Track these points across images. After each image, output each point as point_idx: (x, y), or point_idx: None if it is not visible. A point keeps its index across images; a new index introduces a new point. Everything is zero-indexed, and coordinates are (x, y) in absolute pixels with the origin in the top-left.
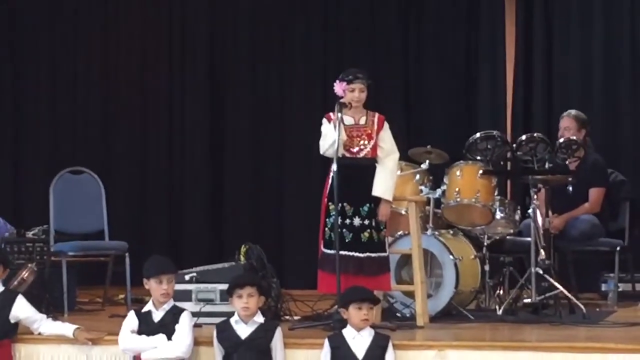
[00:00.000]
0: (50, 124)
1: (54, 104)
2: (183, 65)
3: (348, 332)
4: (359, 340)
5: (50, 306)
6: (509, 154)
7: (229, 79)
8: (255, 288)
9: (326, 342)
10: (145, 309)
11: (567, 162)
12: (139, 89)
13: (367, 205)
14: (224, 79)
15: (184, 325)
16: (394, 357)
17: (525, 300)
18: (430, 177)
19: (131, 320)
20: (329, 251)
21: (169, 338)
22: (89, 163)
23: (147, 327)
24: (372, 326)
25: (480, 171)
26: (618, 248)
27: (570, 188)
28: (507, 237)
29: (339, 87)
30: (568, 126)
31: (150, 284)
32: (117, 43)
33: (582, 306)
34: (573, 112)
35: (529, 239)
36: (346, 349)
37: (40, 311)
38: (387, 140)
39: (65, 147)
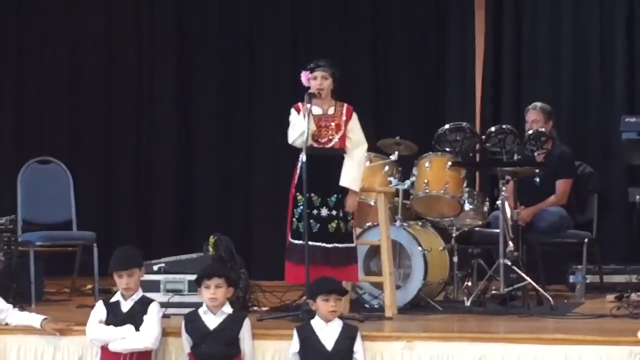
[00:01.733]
0: (16, 113)
1: (20, 92)
2: (152, 54)
3: (316, 323)
4: (327, 331)
5: (17, 296)
6: (477, 146)
7: (197, 69)
8: (223, 279)
9: (295, 332)
10: (113, 299)
11: (535, 154)
12: (107, 77)
13: (335, 195)
14: (193, 69)
15: (152, 316)
16: (363, 348)
17: (494, 292)
18: (399, 169)
19: (99, 311)
20: (296, 241)
21: (137, 329)
22: (57, 152)
23: (115, 317)
24: (341, 317)
25: (449, 163)
26: (586, 240)
27: (538, 180)
28: (476, 228)
29: (304, 77)
30: (536, 119)
31: (115, 278)
32: (85, 30)
33: (550, 298)
34: (539, 104)
35: (497, 230)
36: (315, 339)
37: (8, 301)
38: (355, 131)
39: (32, 136)
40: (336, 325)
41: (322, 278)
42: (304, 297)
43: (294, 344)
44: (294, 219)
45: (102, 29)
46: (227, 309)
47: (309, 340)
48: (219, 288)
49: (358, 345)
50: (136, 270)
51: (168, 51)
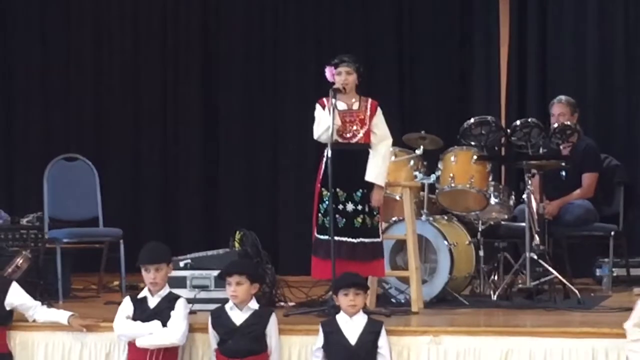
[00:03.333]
0: (43, 110)
1: (47, 90)
2: (176, 51)
3: (341, 318)
4: (351, 325)
5: (44, 293)
6: (503, 140)
7: (222, 66)
8: (244, 276)
9: (320, 327)
10: (140, 295)
11: (561, 147)
12: (132, 74)
13: (360, 190)
14: (218, 66)
15: (179, 312)
16: (387, 343)
17: (520, 286)
18: (425, 163)
19: (126, 306)
20: (322, 237)
21: (164, 324)
22: (83, 150)
23: (142, 313)
24: (367, 312)
25: (475, 156)
26: (612, 233)
27: (564, 173)
28: (502, 222)
29: (328, 73)
30: (562, 112)
31: (142, 272)
32: (110, 28)
33: (576, 291)
34: (564, 97)
35: (523, 224)
36: (339, 334)
37: (35, 298)
38: (380, 126)
39: (58, 133)
40: (361, 320)
41: (344, 273)
42: (330, 292)
43: (319, 339)
44: (320, 214)
45: (128, 24)
46: (254, 305)
47: (333, 335)
48: (239, 285)
49: (382, 340)
50: (164, 266)
51: (193, 49)
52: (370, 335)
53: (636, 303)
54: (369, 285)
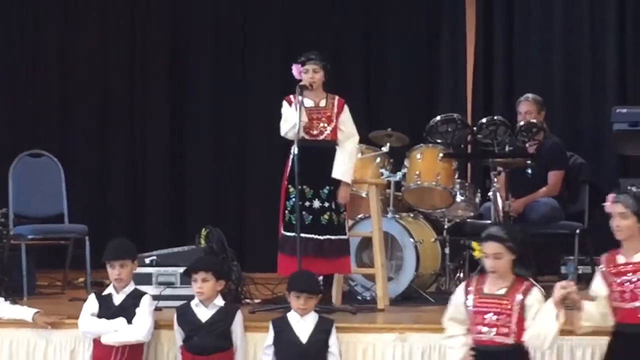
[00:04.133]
0: (7, 106)
1: (12, 84)
2: (144, 48)
3: (292, 316)
4: (302, 324)
5: (9, 290)
6: (469, 137)
7: (190, 63)
8: (209, 273)
9: (270, 325)
10: (105, 292)
11: (527, 145)
12: (99, 68)
13: (327, 187)
14: (185, 63)
15: (144, 309)
16: (337, 341)
17: None
18: (391, 160)
19: (91, 303)
20: (288, 234)
21: (130, 321)
22: (48, 146)
23: (107, 310)
24: (332, 309)
25: (441, 154)
26: (578, 231)
27: (530, 171)
28: (468, 220)
29: (295, 71)
30: (529, 110)
31: (107, 268)
32: (77, 21)
33: (541, 289)
34: (530, 95)
35: (489, 221)
36: (290, 332)
37: None
38: (347, 123)
39: (23, 129)
40: (311, 319)
41: (298, 273)
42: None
43: (269, 337)
44: (286, 211)
45: (96, 20)
46: (219, 302)
47: (284, 333)
48: (205, 282)
49: (333, 339)
50: (129, 262)
51: (161, 46)
52: (321, 333)
53: (450, 298)
54: (334, 282)
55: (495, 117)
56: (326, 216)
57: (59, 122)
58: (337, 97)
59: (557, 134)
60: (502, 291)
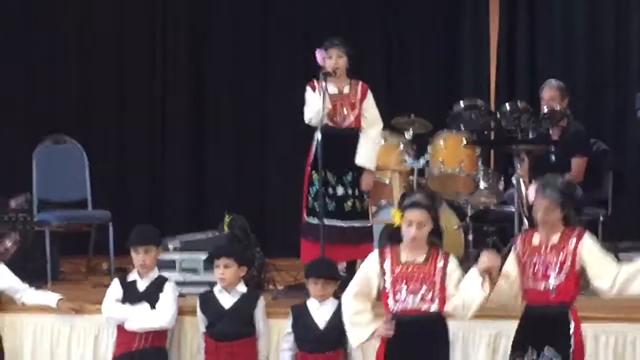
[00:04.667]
0: (29, 92)
1: (33, 70)
2: (164, 33)
3: (311, 303)
4: (322, 311)
5: (33, 276)
6: (492, 124)
7: (211, 48)
8: (232, 259)
9: (290, 311)
10: (130, 278)
11: (550, 132)
12: (119, 54)
13: (351, 174)
14: (207, 49)
15: (168, 295)
16: None
17: None
18: (414, 147)
19: (115, 289)
20: (311, 220)
21: (153, 307)
22: (71, 132)
23: (131, 296)
24: None
25: (464, 141)
26: (601, 217)
27: (553, 157)
28: (491, 207)
29: (319, 56)
30: (552, 96)
31: (132, 254)
32: (96, 9)
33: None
34: (554, 81)
35: (512, 208)
36: (308, 319)
37: (24, 281)
38: (370, 110)
39: (44, 114)
40: (331, 305)
41: (317, 260)
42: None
43: (289, 323)
44: (310, 198)
45: (116, 3)
46: (242, 288)
47: (302, 319)
48: (227, 268)
49: None
50: (153, 248)
51: (181, 31)
52: (340, 319)
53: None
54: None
55: (519, 104)
56: (349, 203)
57: (81, 108)
58: (360, 83)
59: (580, 121)
60: (422, 259)
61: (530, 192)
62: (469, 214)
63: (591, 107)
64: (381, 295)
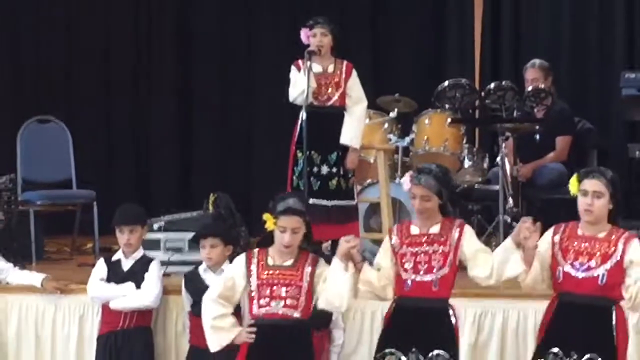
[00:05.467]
0: (13, 71)
1: (17, 50)
2: (149, 10)
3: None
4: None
5: (18, 255)
6: (477, 102)
7: (197, 27)
8: (218, 239)
9: None
10: (114, 258)
11: (534, 111)
12: (104, 33)
13: (335, 153)
14: (192, 28)
15: (153, 274)
16: None
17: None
18: (399, 126)
19: (100, 268)
20: None
21: (138, 287)
22: (55, 111)
23: (116, 275)
24: None
25: (449, 119)
26: None
27: (538, 136)
28: (475, 185)
29: (303, 35)
30: (536, 77)
31: (117, 233)
32: None
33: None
34: (537, 61)
35: (497, 187)
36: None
37: (8, 260)
38: (355, 89)
39: (29, 94)
40: None
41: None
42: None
43: None
44: (294, 177)
45: None
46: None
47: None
48: (213, 248)
49: None
50: (138, 228)
51: (167, 7)
52: None
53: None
54: None
55: (504, 82)
56: (334, 182)
57: (65, 88)
58: (345, 62)
59: (564, 99)
60: (289, 262)
61: (405, 180)
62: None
63: (576, 86)
64: (245, 299)
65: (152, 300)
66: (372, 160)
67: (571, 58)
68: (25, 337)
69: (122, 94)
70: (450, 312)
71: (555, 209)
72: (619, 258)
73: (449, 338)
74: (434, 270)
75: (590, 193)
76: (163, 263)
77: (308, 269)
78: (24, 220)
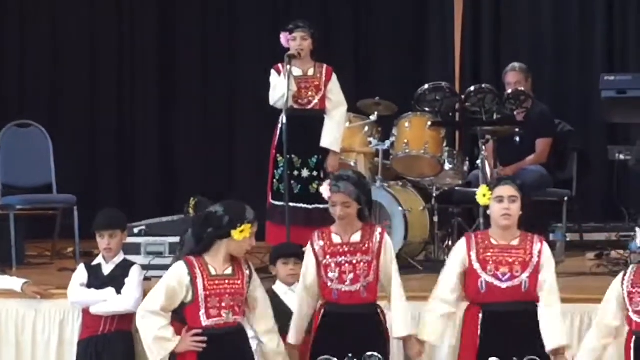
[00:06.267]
0: None
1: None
2: (132, 15)
3: (279, 288)
4: (291, 295)
5: None
6: (457, 105)
7: (178, 31)
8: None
9: None
10: (95, 262)
11: (514, 113)
12: (87, 39)
13: (316, 156)
14: (174, 31)
15: (133, 279)
16: None
17: None
18: (379, 129)
19: (81, 273)
20: (277, 203)
21: (119, 292)
22: (36, 116)
23: (96, 280)
24: None
25: (429, 122)
26: (566, 198)
27: (518, 139)
28: (456, 188)
29: (283, 39)
30: (518, 80)
31: (97, 238)
32: None
33: None
34: (517, 65)
35: (477, 190)
36: (279, 303)
37: None
38: (335, 92)
39: (10, 99)
40: None
41: (282, 243)
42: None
43: None
44: (275, 180)
45: None
46: None
47: (273, 305)
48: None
49: None
50: (119, 232)
51: (149, 13)
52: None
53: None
54: None
55: (483, 85)
56: (315, 185)
57: (47, 92)
58: (325, 66)
59: (544, 102)
60: (229, 271)
61: (324, 189)
62: (434, 195)
63: (556, 88)
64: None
65: (132, 305)
66: (352, 164)
67: (551, 60)
68: (5, 342)
69: (104, 99)
70: (379, 313)
71: (535, 211)
72: (535, 264)
73: (380, 339)
74: (360, 279)
75: (506, 198)
76: (144, 267)
77: (247, 273)
78: (3, 224)
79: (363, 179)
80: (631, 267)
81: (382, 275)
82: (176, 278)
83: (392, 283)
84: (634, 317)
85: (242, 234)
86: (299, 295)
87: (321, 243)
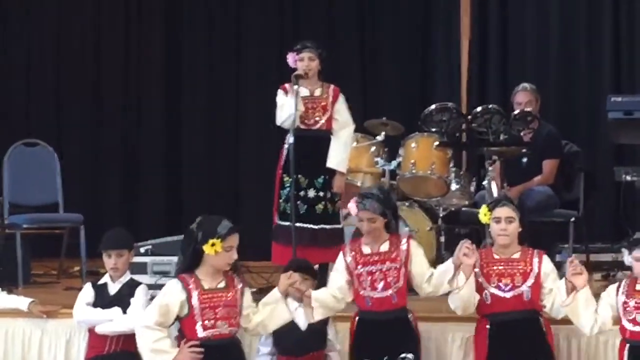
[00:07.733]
0: (2, 95)
1: (6, 73)
2: (139, 35)
3: (290, 304)
4: (300, 311)
5: (4, 279)
6: (464, 126)
7: (185, 52)
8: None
9: None
10: (101, 282)
11: (521, 134)
12: (94, 58)
13: (322, 177)
14: (180, 51)
15: (139, 299)
16: (335, 330)
17: None
18: (386, 149)
19: (87, 293)
20: (283, 223)
21: (125, 311)
22: (44, 135)
23: (102, 299)
24: None
25: (436, 143)
26: (572, 219)
27: (525, 159)
28: (463, 208)
29: (291, 59)
30: (529, 99)
31: (104, 258)
32: (72, 9)
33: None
34: (528, 85)
35: None
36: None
37: None
38: (342, 112)
39: (17, 118)
40: None
41: (293, 259)
42: None
43: None
44: (281, 200)
45: (90, 9)
46: None
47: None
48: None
49: (330, 326)
50: (125, 252)
51: (155, 33)
52: (320, 321)
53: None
54: (329, 271)
55: (490, 106)
56: (321, 205)
57: (54, 112)
58: (332, 86)
59: (551, 122)
60: (222, 284)
61: (351, 206)
62: (441, 216)
63: (563, 109)
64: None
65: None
66: (359, 184)
67: (558, 81)
68: None
69: (110, 119)
70: (410, 317)
71: (542, 232)
72: (536, 275)
73: (412, 341)
74: (391, 285)
75: (503, 219)
76: (150, 286)
77: (239, 286)
78: (10, 243)
79: (387, 194)
80: (625, 279)
81: (417, 275)
82: (171, 296)
83: (432, 271)
84: (627, 326)
85: (213, 248)
86: (329, 289)
87: (353, 254)
